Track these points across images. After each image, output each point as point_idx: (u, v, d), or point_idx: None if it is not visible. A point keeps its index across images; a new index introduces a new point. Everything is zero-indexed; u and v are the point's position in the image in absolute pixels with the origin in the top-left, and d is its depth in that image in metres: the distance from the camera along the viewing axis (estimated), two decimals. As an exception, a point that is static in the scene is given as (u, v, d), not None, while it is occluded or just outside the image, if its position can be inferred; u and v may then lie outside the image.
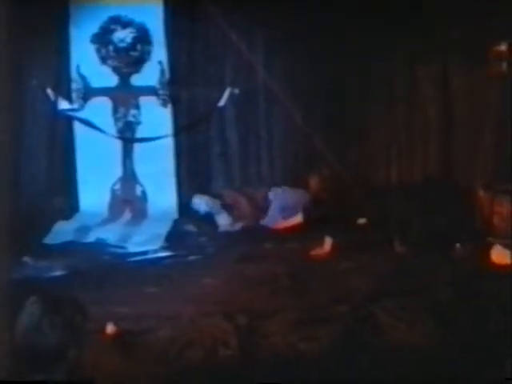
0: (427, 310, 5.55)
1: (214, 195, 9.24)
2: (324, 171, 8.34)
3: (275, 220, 8.58)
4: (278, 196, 8.80)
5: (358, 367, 4.57)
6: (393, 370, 4.58)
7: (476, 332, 5.08)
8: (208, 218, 8.94)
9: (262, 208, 8.82)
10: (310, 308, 5.75)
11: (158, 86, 9.37)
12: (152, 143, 9.18)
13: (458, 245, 7.23)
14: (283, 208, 8.67)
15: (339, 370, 4.56)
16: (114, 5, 9.33)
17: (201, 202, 9.12)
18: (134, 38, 9.34)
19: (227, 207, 9.00)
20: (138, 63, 9.39)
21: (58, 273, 7.20)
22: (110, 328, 5.28)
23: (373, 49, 8.67)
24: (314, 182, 8.24)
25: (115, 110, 9.45)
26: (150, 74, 9.39)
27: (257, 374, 4.63)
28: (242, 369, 4.76)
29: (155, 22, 9.28)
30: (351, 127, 9.27)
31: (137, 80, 9.46)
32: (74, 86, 9.37)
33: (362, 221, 8.23)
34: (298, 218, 8.30)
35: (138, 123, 9.47)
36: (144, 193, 9.48)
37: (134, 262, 7.73)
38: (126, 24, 9.33)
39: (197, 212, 9.12)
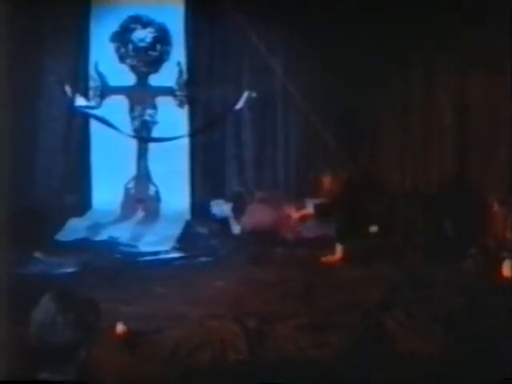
0: (437, 320, 5.53)
1: (234, 198, 9.20)
2: (339, 171, 8.27)
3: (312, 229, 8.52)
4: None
5: (367, 375, 4.55)
6: (401, 379, 4.57)
7: (484, 340, 5.06)
8: (220, 221, 8.94)
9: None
10: (320, 314, 5.74)
11: (175, 86, 9.40)
12: (167, 143, 9.20)
13: (469, 257, 7.24)
14: None
15: (348, 376, 4.55)
16: (135, 4, 9.37)
17: (218, 208, 9.10)
18: (154, 38, 9.37)
19: (239, 211, 8.96)
20: (156, 63, 9.43)
21: (68, 269, 7.22)
22: (120, 327, 5.26)
23: (390, 53, 8.66)
24: (327, 180, 8.17)
25: (132, 109, 9.49)
26: (168, 75, 9.43)
27: (265, 377, 4.62)
28: (250, 372, 4.75)
29: (175, 23, 9.32)
30: (367, 132, 9.25)
31: (154, 80, 9.50)
32: (91, 83, 9.42)
33: (373, 228, 8.18)
34: (309, 210, 8.22)
35: (154, 123, 9.49)
36: (157, 193, 9.50)
37: (145, 261, 7.75)
38: (146, 24, 9.36)
39: (209, 214, 9.12)
